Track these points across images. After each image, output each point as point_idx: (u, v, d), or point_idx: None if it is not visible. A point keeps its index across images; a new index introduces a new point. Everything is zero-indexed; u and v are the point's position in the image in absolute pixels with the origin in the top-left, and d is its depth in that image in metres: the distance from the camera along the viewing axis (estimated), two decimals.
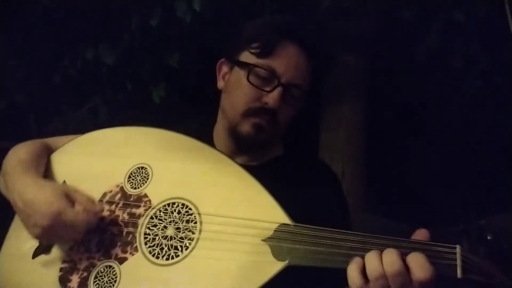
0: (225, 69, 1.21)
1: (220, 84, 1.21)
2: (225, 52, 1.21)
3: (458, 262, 0.79)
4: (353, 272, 0.82)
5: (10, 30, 2.51)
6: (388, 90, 2.97)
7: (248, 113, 1.12)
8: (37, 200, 0.98)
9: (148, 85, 2.58)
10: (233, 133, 1.16)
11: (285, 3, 2.28)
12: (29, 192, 1.01)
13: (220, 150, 1.12)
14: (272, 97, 1.10)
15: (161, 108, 2.60)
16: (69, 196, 1.00)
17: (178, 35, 2.44)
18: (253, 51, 1.12)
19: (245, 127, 1.13)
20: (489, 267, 0.80)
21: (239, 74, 1.14)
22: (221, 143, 1.20)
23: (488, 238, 0.83)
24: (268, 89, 1.10)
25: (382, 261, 0.80)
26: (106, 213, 1.05)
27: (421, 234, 0.85)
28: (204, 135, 1.18)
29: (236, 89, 1.15)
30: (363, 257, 0.83)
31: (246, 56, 1.14)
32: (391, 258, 0.79)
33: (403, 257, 0.80)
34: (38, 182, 1.04)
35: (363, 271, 0.81)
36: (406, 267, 0.79)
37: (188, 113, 2.56)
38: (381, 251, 0.82)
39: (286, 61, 1.11)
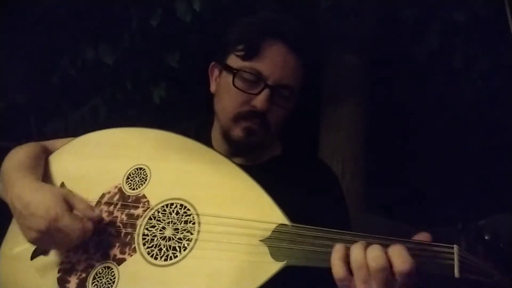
0: (216, 72, 1.20)
1: (213, 87, 1.20)
2: (215, 55, 1.20)
3: (456, 262, 0.78)
4: (335, 261, 0.81)
5: (10, 30, 2.51)
6: (388, 90, 2.97)
7: (238, 118, 1.11)
8: (35, 203, 0.97)
9: (148, 85, 2.58)
10: (226, 137, 1.15)
11: (285, 3, 2.28)
12: (27, 194, 1.00)
13: (218, 151, 1.12)
14: (259, 100, 1.08)
15: (161, 108, 2.60)
16: (68, 201, 0.99)
17: (178, 35, 2.44)
18: (238, 54, 1.10)
19: (236, 132, 1.12)
20: (487, 266, 0.80)
21: (227, 78, 1.12)
22: (218, 145, 1.20)
23: (486, 238, 0.83)
24: (255, 92, 1.09)
25: (366, 256, 0.79)
26: (104, 214, 1.05)
27: (422, 237, 0.84)
28: (203, 136, 1.18)
29: (225, 93, 1.13)
30: (346, 246, 0.82)
31: (233, 60, 1.12)
32: (375, 253, 0.79)
33: (385, 250, 0.79)
34: (37, 184, 1.04)
35: (347, 260, 0.81)
36: (389, 262, 0.78)
37: (188, 113, 2.56)
38: (367, 244, 0.81)
39: (272, 62, 1.09)
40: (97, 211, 1.02)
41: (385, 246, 0.80)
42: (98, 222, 1.02)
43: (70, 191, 1.05)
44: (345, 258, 0.81)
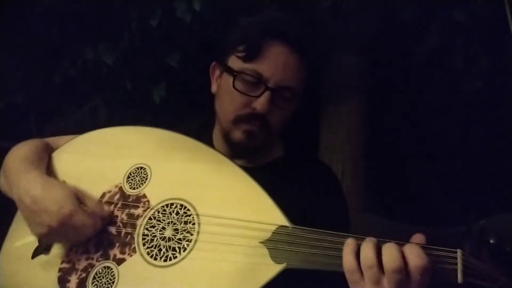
0: (217, 72, 1.19)
1: (214, 88, 1.20)
2: (215, 55, 1.19)
3: (459, 267, 0.78)
4: (346, 254, 0.81)
5: (10, 30, 2.51)
6: (388, 90, 2.97)
7: (238, 120, 1.10)
8: (47, 198, 0.98)
9: (148, 85, 2.58)
10: (227, 139, 1.15)
11: (285, 3, 2.28)
12: (37, 189, 1.00)
13: (219, 151, 1.12)
14: (260, 103, 1.07)
15: (161, 108, 2.60)
16: (78, 198, 1.00)
17: (178, 35, 2.44)
18: (239, 55, 1.09)
19: (237, 134, 1.11)
20: (492, 270, 0.78)
21: (228, 80, 1.11)
22: (219, 146, 1.20)
23: (491, 241, 0.81)
24: (255, 94, 1.08)
25: (382, 256, 0.78)
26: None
27: (417, 239, 0.84)
28: (204, 137, 1.17)
29: (225, 95, 1.13)
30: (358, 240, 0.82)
31: (233, 61, 1.11)
32: (391, 254, 0.78)
33: (400, 249, 0.79)
34: (46, 179, 1.03)
35: (358, 255, 0.80)
36: (405, 262, 0.77)
37: (188, 113, 2.56)
38: (378, 242, 0.81)
39: (273, 63, 1.07)
40: (106, 208, 1.03)
41: (400, 245, 0.79)
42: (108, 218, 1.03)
43: (78, 188, 1.05)
44: (356, 252, 0.81)
